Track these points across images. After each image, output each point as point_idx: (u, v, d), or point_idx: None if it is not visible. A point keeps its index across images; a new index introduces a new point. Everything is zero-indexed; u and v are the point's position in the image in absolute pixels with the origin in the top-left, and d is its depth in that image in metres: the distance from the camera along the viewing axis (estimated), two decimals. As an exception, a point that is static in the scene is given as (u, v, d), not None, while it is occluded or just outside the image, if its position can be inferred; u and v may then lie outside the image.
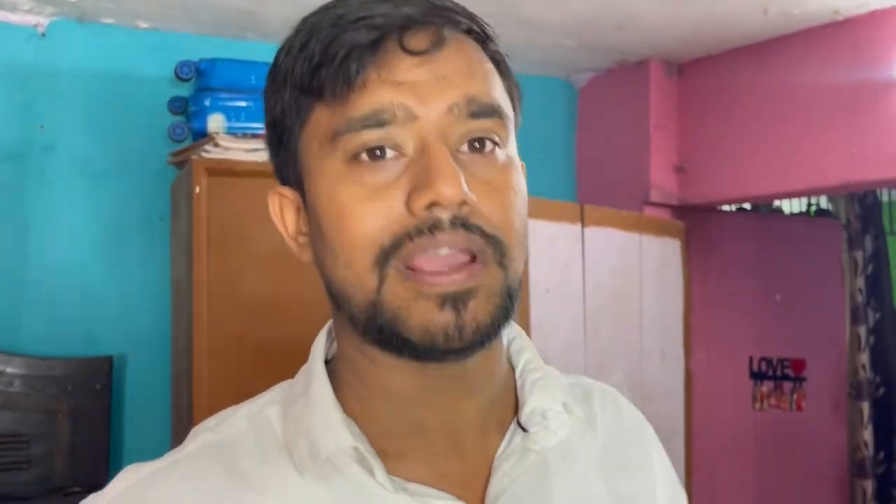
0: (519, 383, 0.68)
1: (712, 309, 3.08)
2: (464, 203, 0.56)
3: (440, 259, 0.57)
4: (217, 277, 2.20)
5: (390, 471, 0.61)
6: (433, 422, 0.63)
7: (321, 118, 0.59)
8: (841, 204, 3.68)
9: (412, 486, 0.61)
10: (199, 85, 2.40)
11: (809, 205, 3.93)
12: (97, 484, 2.47)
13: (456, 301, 0.56)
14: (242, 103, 2.37)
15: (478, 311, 0.57)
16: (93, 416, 2.34)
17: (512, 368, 0.69)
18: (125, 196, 2.49)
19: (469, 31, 0.61)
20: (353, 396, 0.63)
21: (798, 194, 3.14)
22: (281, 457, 0.62)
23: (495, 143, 0.60)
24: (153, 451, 2.45)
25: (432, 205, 0.55)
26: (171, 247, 2.51)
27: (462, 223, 0.57)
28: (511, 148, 0.62)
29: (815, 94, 2.65)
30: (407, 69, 0.57)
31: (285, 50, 0.62)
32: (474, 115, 0.58)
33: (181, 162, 2.39)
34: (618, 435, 0.73)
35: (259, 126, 2.36)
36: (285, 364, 2.53)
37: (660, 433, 0.79)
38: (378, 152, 0.57)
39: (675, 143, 2.99)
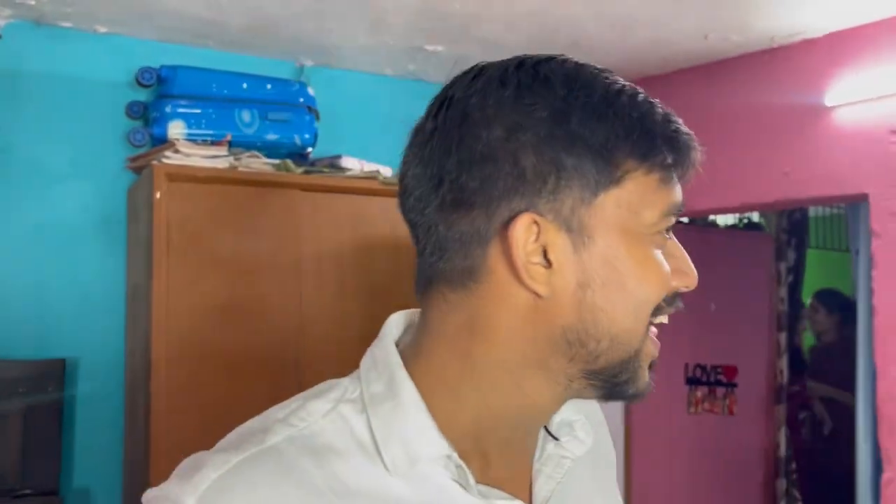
0: None
1: (651, 317, 3.21)
2: None
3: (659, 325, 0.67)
4: (176, 282, 2.23)
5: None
6: (517, 439, 0.70)
7: (639, 181, 0.62)
8: (772, 218, 3.88)
9: (487, 490, 0.66)
10: (159, 91, 2.43)
11: (740, 219, 4.12)
12: (48, 487, 2.44)
13: (653, 366, 0.68)
14: (202, 110, 2.40)
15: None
16: (45, 418, 2.33)
17: None
18: (81, 199, 2.49)
19: None
20: (437, 405, 0.66)
21: (734, 210, 3.30)
22: (366, 456, 0.64)
23: None
24: (105, 454, 2.46)
25: (683, 288, 0.67)
26: (127, 251, 2.52)
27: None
28: None
29: (752, 117, 2.81)
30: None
31: (618, 91, 0.63)
32: None
33: (140, 167, 2.40)
34: (597, 441, 0.81)
35: (219, 133, 2.40)
36: (244, 369, 2.57)
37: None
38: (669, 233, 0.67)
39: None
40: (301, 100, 2.56)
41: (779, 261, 3.76)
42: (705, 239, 3.67)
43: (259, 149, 2.45)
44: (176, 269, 2.23)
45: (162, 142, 2.37)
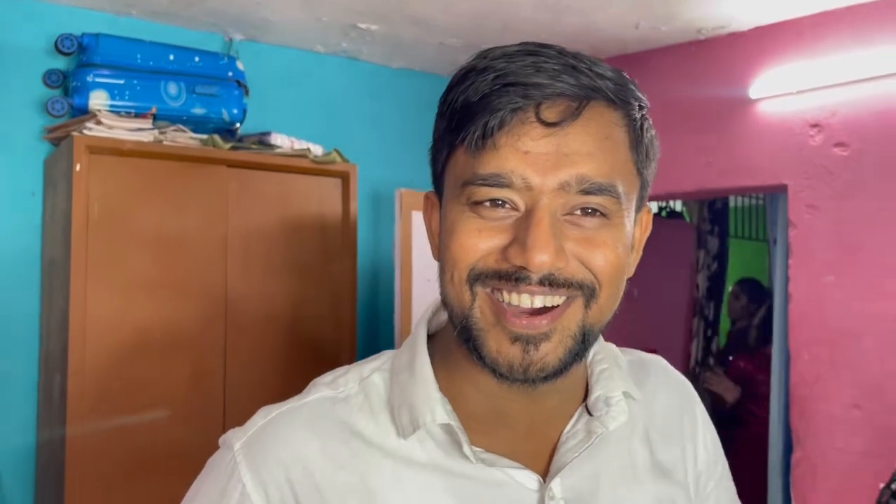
0: (589, 372, 0.78)
1: (577, 301, 3.27)
2: (554, 268, 0.65)
3: (520, 307, 0.66)
4: (96, 258, 2.15)
5: (473, 442, 0.72)
6: (514, 412, 0.73)
7: (460, 158, 0.68)
8: (693, 208, 3.98)
9: (489, 457, 0.71)
10: (80, 60, 2.33)
11: (662, 207, 4.22)
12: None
13: (528, 342, 0.66)
14: (126, 81, 2.32)
15: (548, 353, 0.66)
16: (-47, 397, 2.24)
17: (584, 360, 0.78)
18: (-6, 170, 2.38)
19: (610, 100, 0.67)
20: (448, 378, 0.74)
21: (659, 198, 3.37)
22: (385, 419, 0.73)
23: (602, 214, 0.67)
24: (17, 429, 2.37)
25: (522, 266, 0.64)
26: (43, 224, 2.43)
27: (549, 281, 0.65)
28: (621, 213, 0.68)
29: (678, 107, 2.87)
30: (535, 140, 0.64)
31: (457, 79, 0.68)
32: (585, 192, 0.65)
33: (58, 138, 2.31)
34: (667, 408, 0.84)
35: (143, 105, 2.32)
36: (166, 346, 2.50)
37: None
38: (498, 202, 0.66)
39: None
40: (230, 74, 2.50)
41: (699, 249, 3.87)
42: (630, 226, 3.73)
43: (185, 123, 2.38)
44: (96, 245, 2.16)
45: (82, 112, 2.28)
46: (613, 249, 0.67)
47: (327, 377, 0.77)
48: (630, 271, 0.73)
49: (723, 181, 2.77)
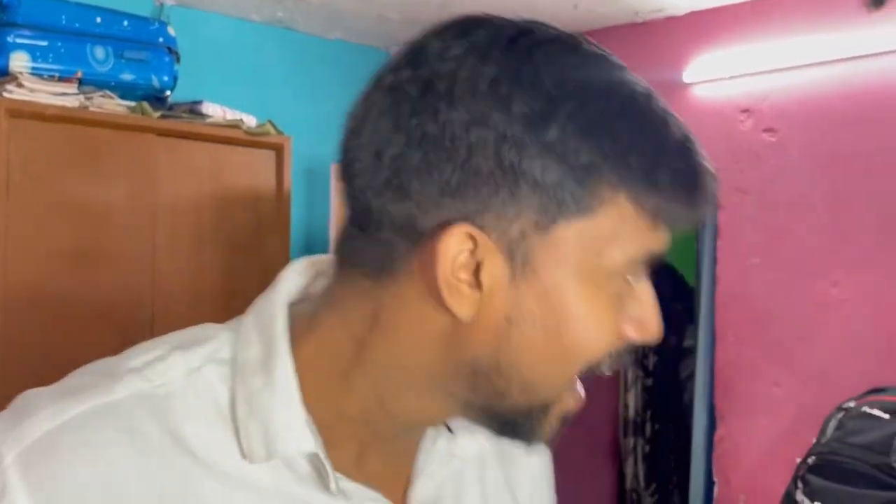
0: None
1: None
2: None
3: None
4: (17, 227, 2.07)
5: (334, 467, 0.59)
6: (403, 438, 0.62)
7: (626, 222, 0.52)
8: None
9: (350, 487, 0.59)
10: (1, 19, 2.23)
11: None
12: None
13: (566, 421, 0.59)
14: (50, 43, 2.23)
15: None
16: None
17: None
18: None
19: None
20: (321, 387, 0.58)
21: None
22: (225, 431, 0.56)
23: None
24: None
25: (638, 339, 0.56)
26: (-41, 191, 2.32)
27: None
28: None
29: (614, 88, 2.89)
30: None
31: (654, 115, 0.54)
32: None
33: (-24, 100, 2.21)
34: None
35: (68, 69, 2.24)
36: (93, 320, 2.44)
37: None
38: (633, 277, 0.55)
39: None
40: (160, 39, 2.42)
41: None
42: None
43: (113, 89, 2.30)
44: (17, 213, 2.08)
45: (2, 75, 2.18)
46: None
47: (133, 359, 0.57)
48: None
49: (656, 164, 2.81)
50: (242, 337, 0.58)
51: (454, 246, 0.51)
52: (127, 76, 2.34)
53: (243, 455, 0.55)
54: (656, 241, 0.54)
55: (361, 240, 0.55)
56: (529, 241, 0.51)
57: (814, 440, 2.19)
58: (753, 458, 2.52)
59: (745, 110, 2.59)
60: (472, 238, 0.51)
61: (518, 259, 0.51)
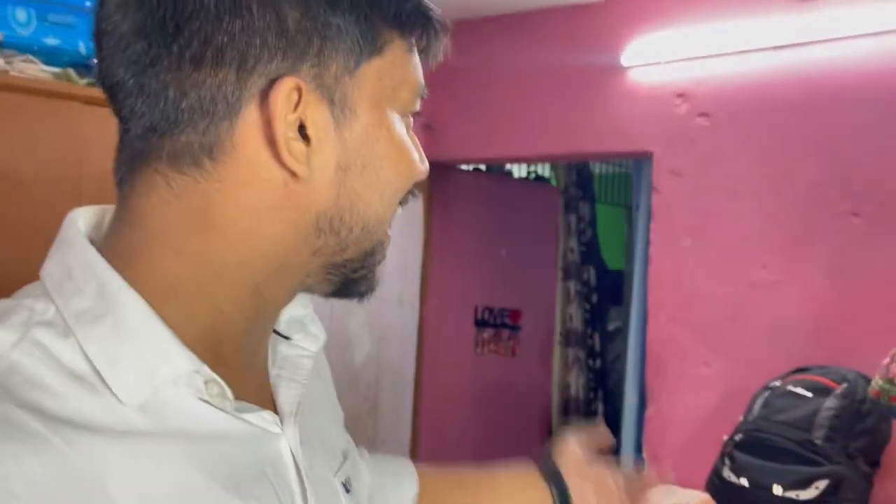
0: None
1: (446, 260, 3.29)
2: None
3: None
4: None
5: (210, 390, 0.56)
6: (251, 343, 0.61)
7: (399, 57, 0.59)
8: (561, 172, 4.07)
9: (238, 404, 0.57)
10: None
11: (529, 171, 4.29)
12: None
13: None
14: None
15: None
16: None
17: None
18: None
19: None
20: (166, 316, 0.55)
21: (531, 160, 3.43)
22: (87, 389, 0.51)
23: None
24: None
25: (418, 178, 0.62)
26: None
27: None
28: None
29: (554, 70, 2.90)
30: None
31: None
32: None
33: None
34: None
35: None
36: (9, 290, 2.34)
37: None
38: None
39: (423, 100, 3.11)
40: (88, 3, 2.32)
41: (568, 213, 3.96)
42: (499, 187, 3.79)
43: (35, 53, 2.19)
44: (-70, 181, 1.97)
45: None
46: None
47: None
48: None
49: (593, 146, 2.84)
50: (57, 292, 0.54)
51: (284, 102, 0.53)
52: (51, 41, 2.24)
53: (119, 401, 0.51)
54: (419, 74, 0.60)
55: (164, 136, 0.54)
56: (343, 85, 0.56)
57: (741, 418, 2.25)
58: (682, 436, 2.58)
59: (681, 95, 2.63)
60: (298, 91, 0.54)
61: (338, 104, 0.56)
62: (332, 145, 0.56)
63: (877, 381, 1.83)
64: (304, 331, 0.67)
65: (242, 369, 0.60)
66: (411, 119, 0.62)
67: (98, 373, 0.52)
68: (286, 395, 0.63)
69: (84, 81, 2.22)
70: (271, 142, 0.53)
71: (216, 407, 0.55)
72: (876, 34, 2.29)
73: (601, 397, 3.92)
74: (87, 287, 0.54)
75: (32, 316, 0.52)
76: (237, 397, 0.57)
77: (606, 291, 4.12)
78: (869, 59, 2.31)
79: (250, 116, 0.53)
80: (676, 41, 2.62)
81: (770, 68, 2.46)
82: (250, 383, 0.61)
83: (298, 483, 0.60)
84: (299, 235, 0.57)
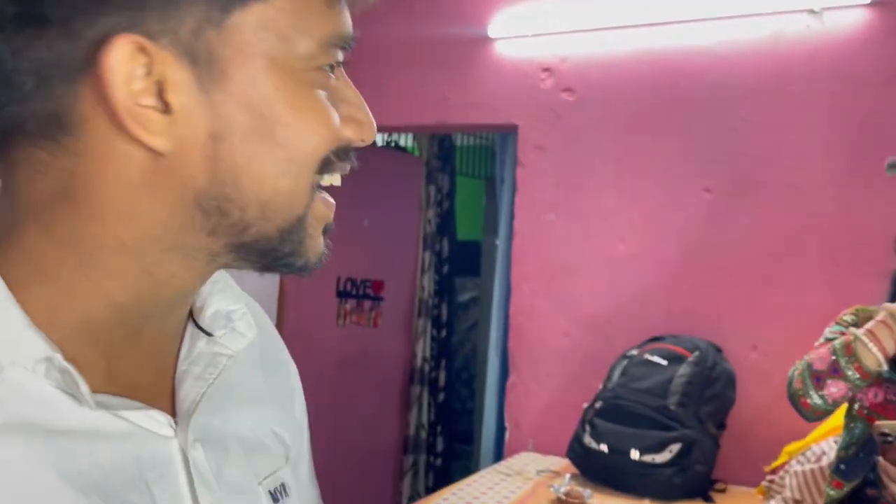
0: None
1: (308, 230, 3.21)
2: None
3: (335, 184, 0.56)
4: None
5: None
6: (149, 331, 0.56)
7: (303, 5, 0.50)
8: (424, 143, 4.05)
9: (104, 399, 0.51)
10: None
11: (388, 141, 4.25)
12: None
13: (328, 230, 0.56)
14: None
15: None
16: None
17: None
18: None
19: None
20: (33, 299, 0.50)
21: (395, 129, 3.38)
22: None
23: None
24: None
25: (359, 142, 0.55)
26: None
27: None
28: None
29: (420, 41, 2.87)
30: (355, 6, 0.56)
31: None
32: None
33: None
34: (268, 340, 0.73)
35: None
36: None
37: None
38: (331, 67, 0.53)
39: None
40: None
41: (429, 184, 3.96)
42: (361, 156, 3.70)
43: None
44: None
45: None
46: None
47: None
48: None
49: (458, 117, 2.83)
50: None
51: (124, 65, 0.45)
52: None
53: None
54: (337, 21, 0.52)
55: (10, 104, 0.47)
56: (207, 40, 0.47)
57: (600, 386, 2.33)
58: (543, 404, 2.65)
59: (546, 69, 2.67)
60: (144, 50, 0.46)
61: (202, 63, 0.47)
62: (201, 112, 0.48)
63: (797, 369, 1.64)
64: (230, 327, 0.61)
65: (142, 361, 0.55)
66: (339, 73, 0.54)
67: None
68: (187, 392, 0.57)
69: None
70: (112, 113, 0.46)
71: (74, 398, 0.49)
72: (734, 18, 2.41)
73: (444, 366, 3.98)
74: None
75: None
76: (127, 392, 0.52)
77: (457, 262, 4.18)
78: (723, 41, 2.43)
79: (89, 82, 0.46)
80: (543, 15, 2.65)
81: (633, 47, 2.54)
82: (150, 378, 0.56)
83: (189, 489, 0.54)
84: (184, 216, 0.50)
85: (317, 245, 0.55)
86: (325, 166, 0.53)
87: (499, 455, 2.79)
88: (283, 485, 0.64)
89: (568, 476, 2.15)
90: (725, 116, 2.42)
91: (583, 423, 2.24)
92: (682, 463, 2.09)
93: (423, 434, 3.90)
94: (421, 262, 3.93)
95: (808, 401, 1.59)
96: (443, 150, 4.03)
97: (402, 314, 3.86)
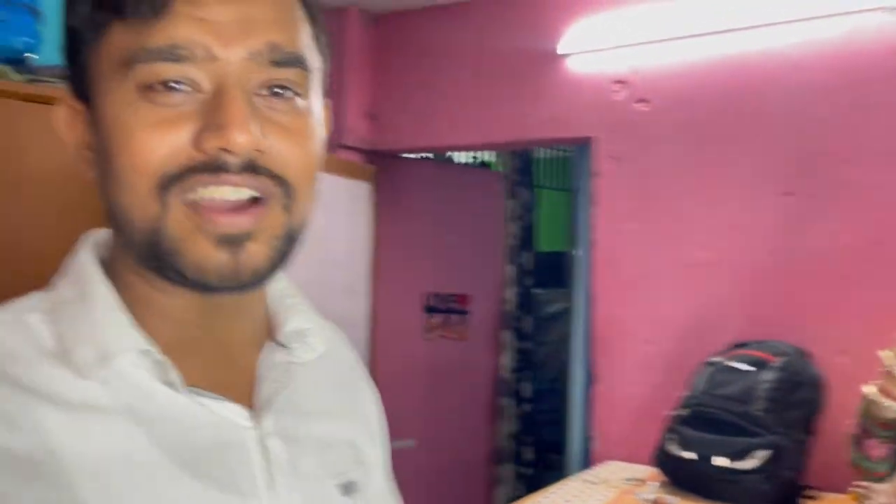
0: (273, 307, 0.73)
1: (394, 248, 3.31)
2: (255, 150, 0.57)
3: (223, 200, 0.58)
4: None
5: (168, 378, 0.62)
6: (207, 340, 0.66)
7: (117, 38, 0.57)
8: (503, 158, 4.12)
9: (196, 390, 0.62)
10: None
11: (474, 157, 4.33)
12: None
13: (234, 243, 0.58)
14: None
15: (256, 253, 0.59)
16: None
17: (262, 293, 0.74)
18: None
19: None
20: (141, 319, 0.63)
21: (473, 148, 3.46)
22: (53, 363, 0.59)
23: (296, 93, 0.61)
24: None
25: (221, 149, 0.56)
26: None
27: (251, 167, 0.58)
28: (313, 97, 0.63)
29: (495, 59, 2.94)
30: (213, 5, 0.56)
31: None
32: (277, 63, 0.59)
33: None
34: (344, 364, 0.82)
35: (-82, 28, 2.06)
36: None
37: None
38: (172, 84, 0.56)
39: (368, 90, 3.13)
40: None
41: (510, 199, 4.02)
42: (444, 174, 3.82)
43: (-31, 51, 2.14)
44: None
45: None
46: (310, 140, 0.62)
47: None
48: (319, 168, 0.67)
49: (534, 133, 2.88)
50: (54, 287, 0.65)
51: (62, 122, 0.64)
52: (-16, 37, 2.19)
53: (79, 376, 0.59)
54: (134, 38, 0.56)
55: None
56: (92, 81, 0.60)
57: (684, 393, 2.33)
58: (627, 413, 2.66)
59: (619, 81, 2.69)
60: (67, 105, 0.63)
61: (93, 103, 0.60)
62: (84, 135, 0.63)
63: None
64: (302, 341, 0.72)
65: (218, 362, 0.66)
66: (152, 89, 0.57)
67: (66, 350, 0.59)
68: (264, 392, 0.67)
69: (21, 78, 2.17)
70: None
71: (170, 387, 0.61)
72: (808, 19, 2.39)
73: (528, 378, 4.02)
74: (76, 283, 0.63)
75: (31, 305, 0.62)
76: (211, 387, 0.63)
77: (542, 274, 4.21)
78: (797, 43, 2.41)
79: None
80: (613, 28, 2.68)
81: (705, 54, 2.54)
82: (227, 377, 0.66)
83: (264, 473, 0.64)
84: (116, 237, 0.65)
85: (201, 257, 0.58)
86: (171, 186, 0.57)
87: (586, 464, 2.81)
88: (352, 482, 0.72)
89: (654, 484, 2.17)
90: (803, 118, 2.39)
91: (668, 430, 2.25)
92: (769, 469, 2.07)
93: (512, 444, 3.95)
94: (505, 275, 3.98)
95: (862, 466, 1.58)
96: (523, 164, 4.08)
97: (488, 327, 3.92)
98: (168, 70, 0.56)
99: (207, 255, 0.58)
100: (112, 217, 0.61)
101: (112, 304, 0.61)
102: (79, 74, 0.61)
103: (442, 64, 3.04)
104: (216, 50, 0.56)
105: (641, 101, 2.65)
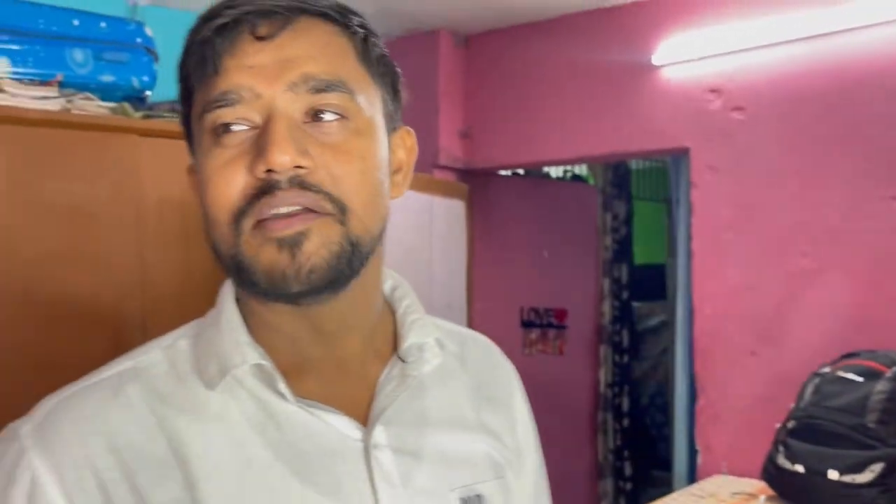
0: (399, 323, 0.79)
1: (490, 264, 3.35)
2: (299, 167, 0.64)
3: (278, 213, 0.65)
4: (2, 230, 2.07)
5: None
6: (320, 354, 0.72)
7: (197, 98, 0.68)
8: (597, 171, 4.11)
9: (308, 402, 0.69)
10: (-23, 25, 2.22)
11: (566, 171, 4.34)
12: None
13: (292, 244, 0.64)
14: (28, 47, 2.22)
15: (312, 253, 0.65)
16: None
17: (392, 311, 0.81)
18: None
19: (323, 15, 0.69)
20: (253, 331, 0.72)
21: (568, 162, 3.47)
22: (193, 378, 0.69)
23: (342, 115, 0.67)
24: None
25: (269, 171, 0.64)
26: (-58, 198, 2.31)
27: (298, 183, 0.64)
28: (361, 116, 0.69)
29: (587, 73, 2.95)
30: (254, 54, 0.66)
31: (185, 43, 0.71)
32: (316, 90, 0.66)
33: (-44, 107, 2.20)
34: (488, 375, 0.87)
35: (48, 72, 2.23)
36: (77, 319, 2.42)
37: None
38: (232, 126, 0.66)
39: (461, 110, 3.19)
40: (138, 40, 2.42)
41: (605, 211, 4.01)
42: (538, 190, 3.84)
43: (93, 91, 2.30)
44: (1, 218, 2.08)
45: (-18, 80, 2.17)
46: (364, 159, 0.68)
47: (125, 356, 0.73)
48: (399, 192, 0.75)
49: (629, 145, 2.88)
50: (207, 314, 0.75)
51: (191, 183, 0.75)
52: (107, 77, 2.35)
53: (207, 387, 0.68)
54: (203, 94, 0.67)
55: None
56: (193, 141, 0.71)
57: (792, 405, 2.28)
58: (734, 426, 2.61)
59: (714, 90, 2.67)
60: (192, 168, 0.74)
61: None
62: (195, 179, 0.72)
63: None
64: (419, 355, 0.77)
65: (333, 377, 0.73)
66: (219, 134, 0.67)
67: (200, 367, 0.70)
68: (380, 404, 0.73)
69: (139, 114, 2.32)
70: None
71: (289, 402, 0.68)
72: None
73: (626, 392, 3.97)
74: (216, 308, 0.74)
75: (186, 332, 0.74)
76: (323, 399, 0.70)
77: (639, 287, 4.17)
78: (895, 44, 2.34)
79: None
80: (706, 38, 2.66)
81: (800, 59, 2.49)
82: (345, 391, 0.73)
83: (369, 482, 0.69)
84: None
85: (266, 264, 0.66)
86: (243, 216, 0.66)
87: (692, 479, 2.77)
88: (478, 495, 0.75)
89: (763, 498, 2.12)
90: (909, 120, 2.32)
91: (776, 443, 2.20)
92: (886, 483, 2.00)
93: (612, 459, 3.91)
94: (601, 288, 3.97)
95: None
96: (618, 176, 4.06)
97: (586, 341, 3.91)
98: (225, 114, 0.66)
99: (271, 260, 0.65)
100: (211, 249, 0.70)
101: (235, 326, 0.71)
102: (188, 136, 0.72)
103: (533, 80, 3.07)
104: (259, 89, 0.65)
105: (737, 108, 2.62)
